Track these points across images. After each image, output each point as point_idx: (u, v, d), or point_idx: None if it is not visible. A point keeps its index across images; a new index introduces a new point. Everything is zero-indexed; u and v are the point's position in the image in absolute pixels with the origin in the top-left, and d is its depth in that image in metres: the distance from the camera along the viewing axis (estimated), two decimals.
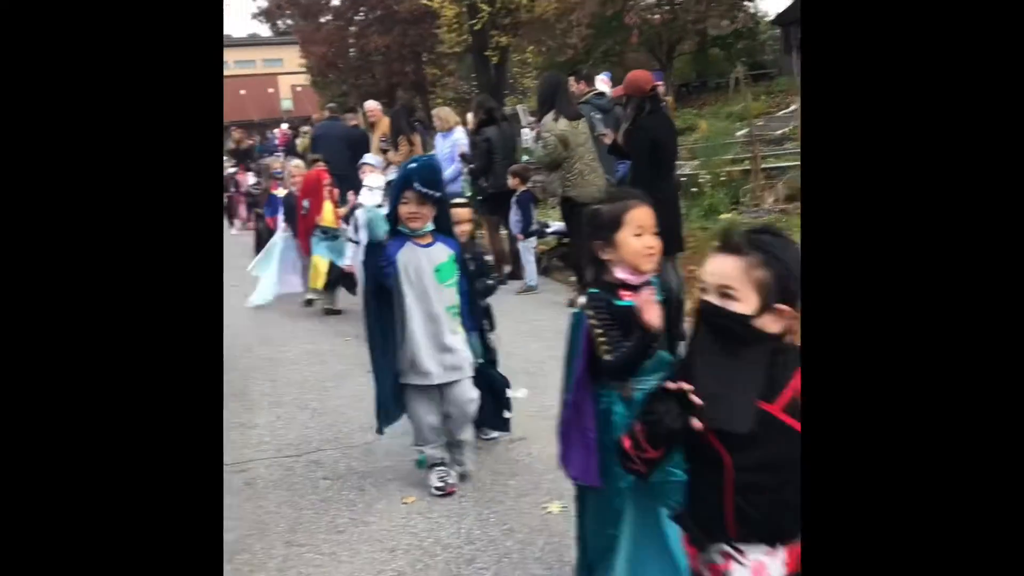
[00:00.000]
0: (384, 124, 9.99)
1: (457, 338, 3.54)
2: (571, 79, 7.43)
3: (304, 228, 7.29)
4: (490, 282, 4.14)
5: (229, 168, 14.83)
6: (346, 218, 6.90)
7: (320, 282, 7.07)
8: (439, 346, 3.49)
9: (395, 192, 3.46)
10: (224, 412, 4.71)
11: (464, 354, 3.57)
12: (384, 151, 9.96)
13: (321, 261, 7.08)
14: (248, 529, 3.39)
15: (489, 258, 6.33)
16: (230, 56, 44.28)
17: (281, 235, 7.72)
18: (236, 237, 13.44)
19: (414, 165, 3.45)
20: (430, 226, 3.49)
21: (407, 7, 20.62)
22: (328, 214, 7.16)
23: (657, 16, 19.83)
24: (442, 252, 3.53)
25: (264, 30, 35.20)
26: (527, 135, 15.07)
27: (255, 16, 27.29)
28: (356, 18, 22.66)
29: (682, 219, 6.38)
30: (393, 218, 3.47)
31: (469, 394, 3.60)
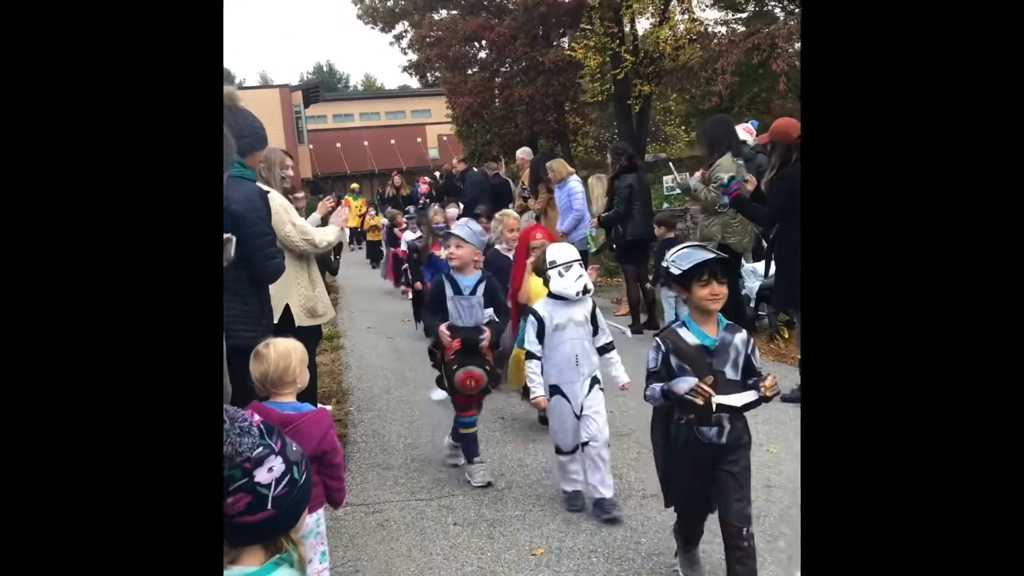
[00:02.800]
0: (526, 173, 10.16)
1: None
2: None
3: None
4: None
5: (385, 218, 14.60)
6: None
7: (520, 380, 4.93)
8: None
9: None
10: (361, 452, 4.85)
11: None
12: (525, 199, 10.13)
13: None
14: (378, 572, 3.44)
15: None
16: (382, 107, 46.58)
17: None
18: (377, 277, 13.91)
19: None
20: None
21: (551, 58, 21.01)
22: (537, 288, 4.72)
23: None
24: None
25: (413, 82, 36.79)
26: (670, 181, 14.88)
27: (405, 69, 28.49)
28: (502, 69, 23.29)
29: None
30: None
31: None
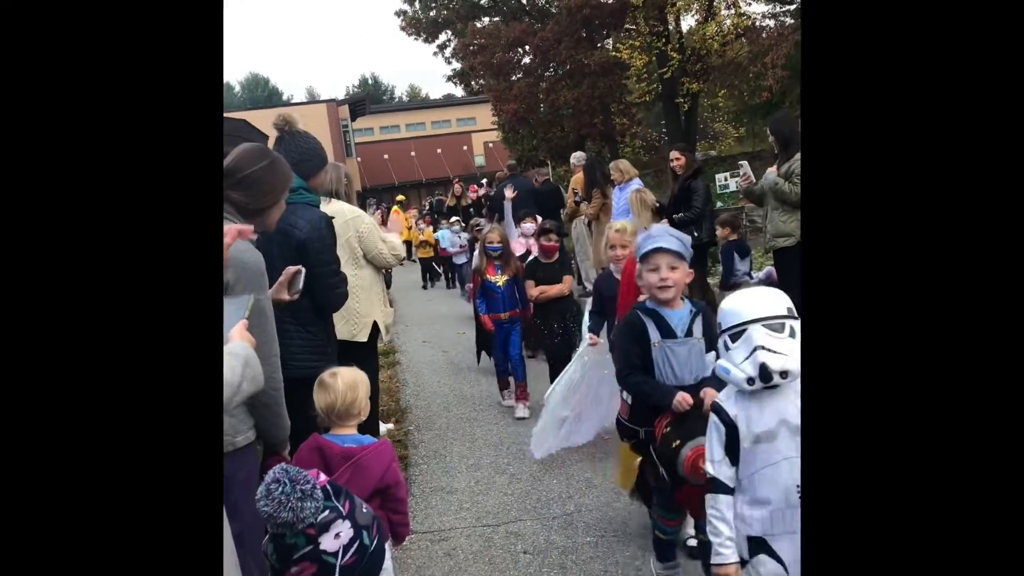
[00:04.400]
0: (578, 178, 10.01)
1: None
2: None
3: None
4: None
5: (455, 229, 13.40)
6: None
7: (630, 480, 3.52)
8: None
9: None
10: (423, 475, 4.72)
11: None
12: (577, 203, 9.96)
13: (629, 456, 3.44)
14: None
15: None
16: (428, 117, 46.86)
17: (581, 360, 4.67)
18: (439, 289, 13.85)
19: None
20: None
21: (596, 59, 20.79)
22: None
23: None
24: None
25: (458, 91, 36.87)
26: (723, 180, 14.63)
27: (450, 78, 28.51)
28: (546, 74, 23.13)
29: None
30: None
31: None
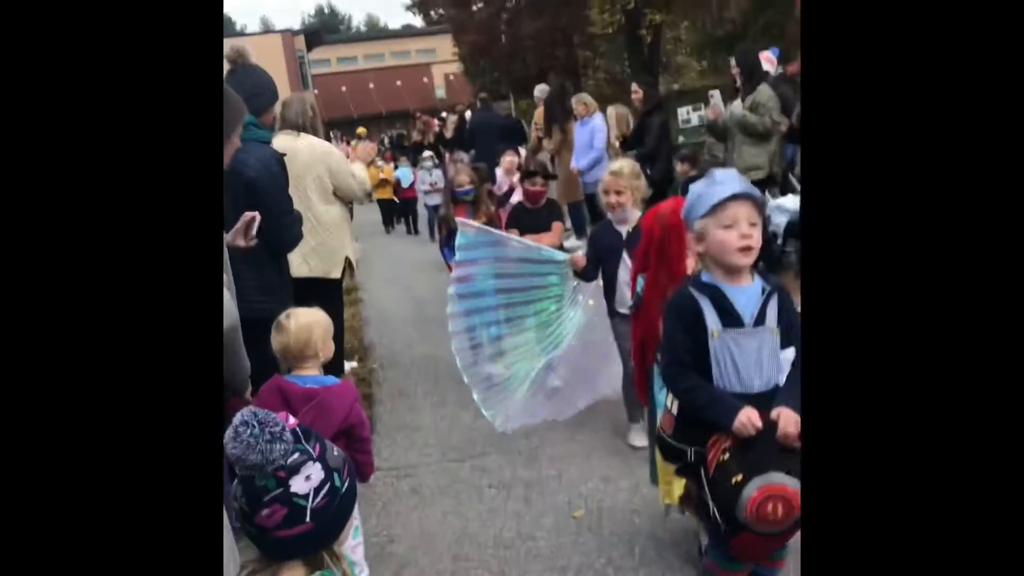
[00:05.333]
0: (542, 112, 9.90)
1: None
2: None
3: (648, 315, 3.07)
4: None
5: (427, 166, 12.00)
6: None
7: (676, 491, 2.84)
8: None
9: None
10: (389, 413, 4.75)
11: None
12: (540, 139, 9.87)
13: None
14: (415, 540, 3.34)
15: None
16: (386, 48, 45.78)
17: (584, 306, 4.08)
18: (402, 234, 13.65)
19: None
20: None
21: None
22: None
23: None
24: None
25: (418, 21, 35.99)
26: (685, 115, 14.54)
27: (408, 8, 27.78)
28: (508, 4, 22.66)
29: None
30: None
31: None
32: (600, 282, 3.90)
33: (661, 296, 2.78)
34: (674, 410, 2.45)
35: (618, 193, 3.74)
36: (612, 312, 3.88)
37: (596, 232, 4.08)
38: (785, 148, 6.47)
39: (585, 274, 3.93)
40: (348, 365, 5.48)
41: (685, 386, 2.36)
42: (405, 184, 13.14)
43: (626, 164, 3.88)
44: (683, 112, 14.98)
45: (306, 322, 2.65)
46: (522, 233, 4.77)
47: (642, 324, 3.10)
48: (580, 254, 3.98)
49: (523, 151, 9.53)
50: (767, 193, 6.71)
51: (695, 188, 2.42)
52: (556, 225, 5.18)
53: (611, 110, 8.89)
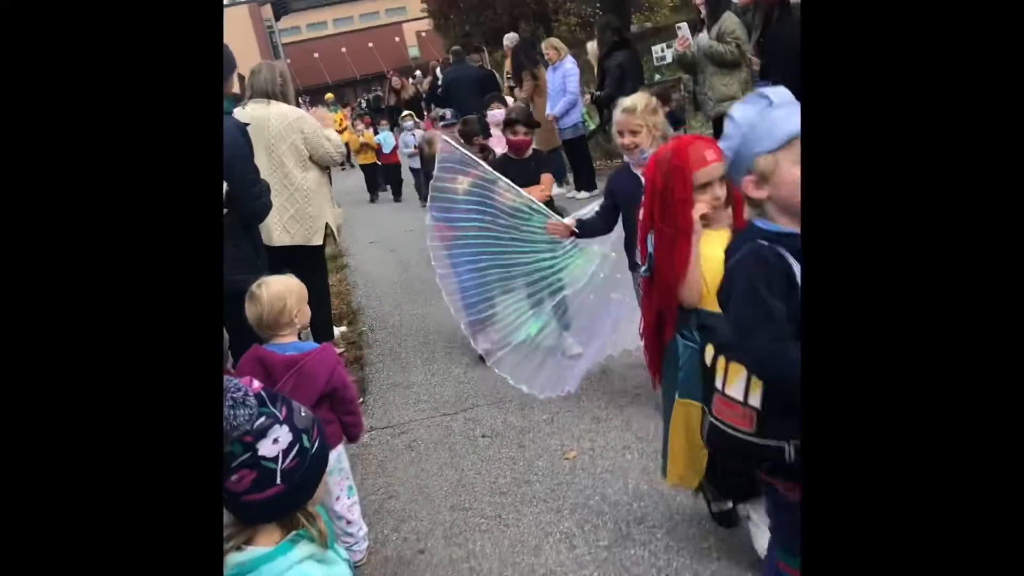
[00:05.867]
0: (509, 62, 9.80)
1: None
2: None
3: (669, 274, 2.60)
4: None
5: (408, 126, 11.50)
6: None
7: (696, 474, 2.65)
8: None
9: None
10: (380, 373, 4.78)
11: None
12: (511, 88, 9.77)
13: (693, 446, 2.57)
14: (412, 494, 3.38)
15: None
16: (355, 10, 45.02)
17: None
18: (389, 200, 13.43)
19: None
20: None
21: None
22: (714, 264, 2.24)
23: None
24: None
25: None
26: (660, 52, 14.38)
27: None
28: None
29: None
30: None
31: None
32: (622, 233, 3.57)
33: (675, 256, 2.44)
34: (754, 401, 1.86)
35: (633, 133, 3.36)
36: (633, 265, 3.49)
37: (613, 178, 3.70)
38: (754, 76, 6.42)
39: (595, 227, 3.66)
40: (337, 330, 5.50)
41: (795, 357, 1.54)
42: (387, 149, 12.50)
43: (639, 99, 3.44)
44: (657, 50, 14.78)
45: (277, 290, 2.65)
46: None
47: (657, 292, 2.61)
48: (556, 220, 3.80)
49: (511, 102, 9.37)
50: None
51: (744, 115, 1.83)
52: (545, 177, 4.76)
53: (590, 47, 8.78)
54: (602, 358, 4.07)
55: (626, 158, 3.54)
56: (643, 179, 3.17)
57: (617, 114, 3.43)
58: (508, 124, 4.91)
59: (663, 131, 3.43)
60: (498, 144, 5.90)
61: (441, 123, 4.79)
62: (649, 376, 2.97)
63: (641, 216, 2.69)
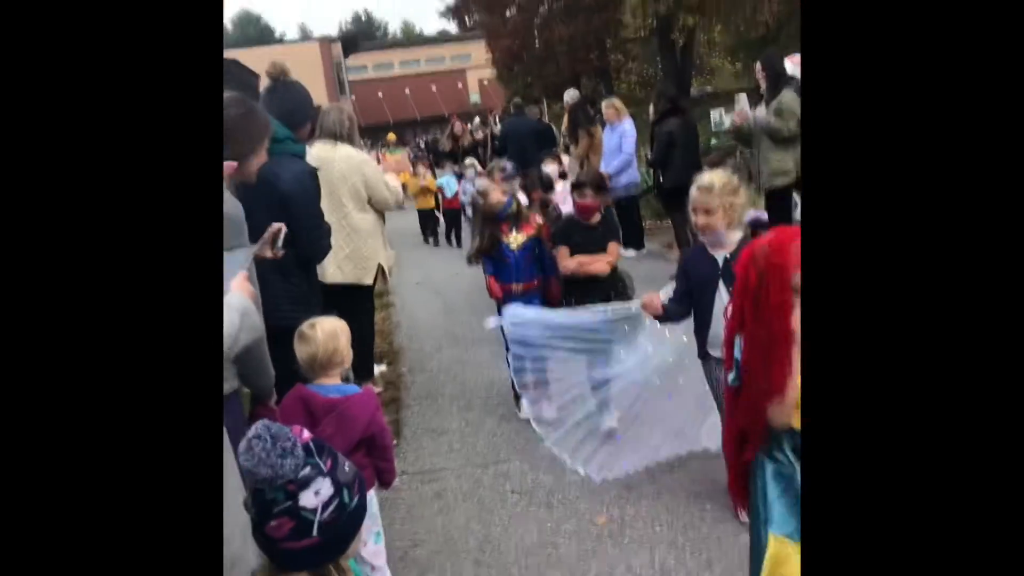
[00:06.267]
0: (567, 118, 9.94)
1: None
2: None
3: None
4: None
5: (471, 175, 10.73)
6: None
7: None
8: None
9: None
10: (415, 417, 4.80)
11: None
12: (567, 144, 9.89)
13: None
14: (438, 545, 3.38)
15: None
16: (422, 54, 46.10)
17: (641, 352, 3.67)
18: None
19: None
20: None
21: None
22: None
23: None
24: None
25: (452, 27, 36.19)
26: (718, 117, 14.45)
27: (443, 14, 28.00)
28: (541, 9, 22.70)
29: None
30: None
31: None
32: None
33: (768, 367, 2.12)
34: None
35: (708, 212, 3.19)
36: (704, 354, 3.31)
37: (687, 259, 3.57)
38: None
39: (674, 313, 3.40)
40: (377, 369, 5.56)
41: None
42: (449, 194, 11.90)
43: (717, 177, 3.25)
44: (715, 115, 14.87)
45: (331, 330, 2.70)
46: (573, 252, 4.33)
47: (743, 407, 2.28)
48: (657, 293, 3.45)
49: (567, 159, 9.39)
50: (794, 198, 6.68)
51: None
52: (612, 246, 4.41)
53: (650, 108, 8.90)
54: (683, 451, 3.66)
55: (701, 238, 3.37)
56: (719, 260, 3.22)
57: (693, 191, 3.26)
58: (577, 186, 4.56)
59: (744, 211, 3.29)
60: (560, 199, 5.80)
61: (501, 175, 4.72)
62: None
63: (729, 314, 2.37)
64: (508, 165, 5.96)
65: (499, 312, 4.41)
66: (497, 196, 4.54)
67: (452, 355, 6.19)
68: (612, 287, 4.30)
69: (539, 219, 4.65)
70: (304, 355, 2.71)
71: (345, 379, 2.89)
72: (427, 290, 8.84)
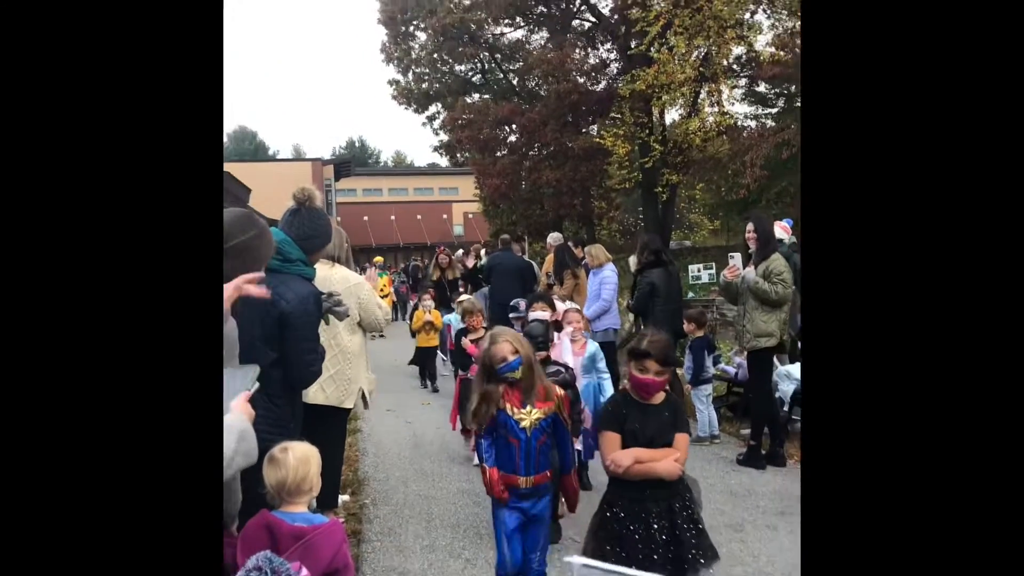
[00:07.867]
0: (551, 259, 10.13)
1: None
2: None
3: None
4: None
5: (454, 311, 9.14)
6: None
7: None
8: None
9: None
10: (376, 553, 4.61)
11: None
12: (550, 286, 10.03)
13: None
14: None
15: None
16: (411, 183, 47.34)
17: None
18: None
19: None
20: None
21: (580, 144, 21.24)
22: None
23: None
24: None
25: (443, 162, 37.35)
26: (696, 271, 14.82)
27: (436, 149, 29.02)
28: (531, 153, 23.56)
29: None
30: None
31: None
32: None
33: None
34: None
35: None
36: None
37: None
38: (794, 316, 6.57)
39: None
40: (341, 498, 5.37)
41: None
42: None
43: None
44: (694, 269, 15.30)
45: (303, 455, 2.61)
46: (626, 443, 3.16)
47: None
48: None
49: (560, 304, 9.15)
50: (776, 360, 6.75)
51: None
52: (681, 439, 3.22)
53: (632, 259, 9.12)
54: None
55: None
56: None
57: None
58: (636, 356, 3.23)
59: None
60: (556, 351, 4.96)
61: (512, 314, 4.46)
62: None
63: None
64: (520, 303, 5.37)
65: (493, 515, 3.53)
66: (504, 347, 3.43)
67: (419, 490, 6.02)
68: (678, 496, 3.16)
69: (560, 390, 3.59)
70: (273, 480, 2.61)
71: (311, 508, 2.79)
72: (397, 418, 8.70)
